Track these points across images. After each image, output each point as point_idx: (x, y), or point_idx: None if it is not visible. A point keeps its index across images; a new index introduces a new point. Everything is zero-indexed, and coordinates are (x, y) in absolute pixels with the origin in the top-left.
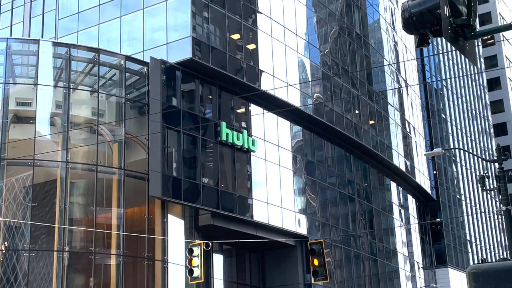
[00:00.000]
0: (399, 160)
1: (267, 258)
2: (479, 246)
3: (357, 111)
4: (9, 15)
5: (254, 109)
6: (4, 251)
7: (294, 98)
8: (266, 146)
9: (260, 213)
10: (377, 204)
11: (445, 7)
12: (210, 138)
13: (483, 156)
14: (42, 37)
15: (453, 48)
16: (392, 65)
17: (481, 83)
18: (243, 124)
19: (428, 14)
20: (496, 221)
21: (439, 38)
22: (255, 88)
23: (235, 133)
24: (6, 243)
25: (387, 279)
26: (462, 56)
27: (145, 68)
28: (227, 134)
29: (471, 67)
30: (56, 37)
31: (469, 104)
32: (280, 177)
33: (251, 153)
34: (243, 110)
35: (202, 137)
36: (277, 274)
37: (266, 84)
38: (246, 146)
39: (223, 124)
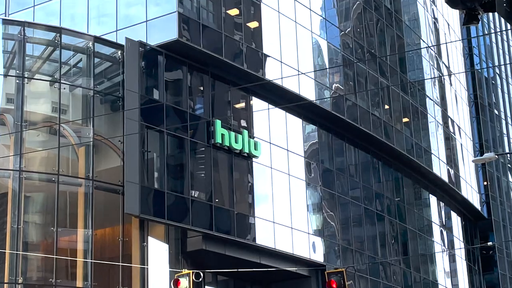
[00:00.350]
0: (440, 168)
1: None
2: None
3: (387, 106)
4: None
5: (257, 103)
6: None
7: (307, 90)
8: (272, 150)
9: (265, 235)
10: (413, 224)
11: None
12: (202, 140)
13: None
14: None
15: (509, 27)
16: (432, 48)
17: None
18: (243, 123)
19: None
20: None
21: (491, 14)
22: (258, 77)
23: (232, 134)
24: None
25: None
26: None
27: (119, 52)
28: (222, 135)
29: None
30: (6, 13)
31: None
32: (289, 190)
33: (253, 159)
34: (242, 105)
35: (191, 139)
36: None
37: (272, 72)
38: (246, 150)
39: (218, 122)
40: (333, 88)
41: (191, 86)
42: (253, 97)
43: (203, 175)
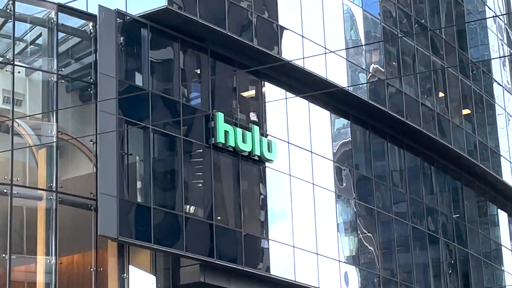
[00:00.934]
0: None
1: None
2: None
3: (441, 94)
4: None
5: (271, 91)
6: None
7: (336, 73)
8: (291, 152)
9: (282, 264)
10: (476, 248)
11: None
12: (199, 139)
13: None
14: None
15: None
16: (501, 17)
17: None
18: (253, 117)
19: None
20: None
21: None
22: (272, 57)
23: (239, 131)
24: None
25: None
26: None
27: (90, 24)
28: (226, 133)
29: None
30: None
31: None
32: (314, 204)
33: (266, 164)
34: (252, 93)
35: (185, 138)
36: None
37: (290, 51)
38: (257, 152)
39: (220, 116)
40: (370, 71)
41: (185, 68)
42: (266, 83)
43: (200, 185)
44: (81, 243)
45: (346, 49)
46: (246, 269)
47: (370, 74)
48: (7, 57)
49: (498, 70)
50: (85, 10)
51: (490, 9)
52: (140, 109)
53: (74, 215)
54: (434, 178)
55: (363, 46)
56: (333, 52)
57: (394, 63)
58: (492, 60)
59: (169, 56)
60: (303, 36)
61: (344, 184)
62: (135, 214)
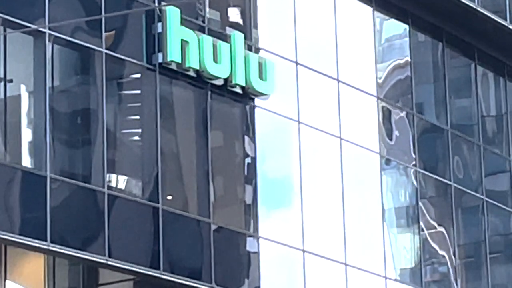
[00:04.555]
0: None
1: None
2: None
3: None
4: None
5: None
6: None
7: None
8: (300, 81)
9: (282, 280)
10: None
11: None
12: (134, 56)
13: None
14: None
15: None
16: None
17: None
18: (233, 16)
19: None
20: None
21: None
22: None
23: (207, 41)
24: None
25: None
26: None
27: None
28: (184, 44)
29: None
30: None
31: None
32: (342, 175)
33: (256, 101)
34: None
35: (110, 52)
36: None
37: None
38: (240, 80)
39: (173, 14)
40: None
41: None
42: None
43: (137, 138)
44: None
45: None
46: None
47: None
48: None
49: None
50: None
51: None
52: (30, 1)
53: None
54: None
55: None
56: None
57: None
58: None
59: None
60: None
61: (397, 140)
62: (20, 190)
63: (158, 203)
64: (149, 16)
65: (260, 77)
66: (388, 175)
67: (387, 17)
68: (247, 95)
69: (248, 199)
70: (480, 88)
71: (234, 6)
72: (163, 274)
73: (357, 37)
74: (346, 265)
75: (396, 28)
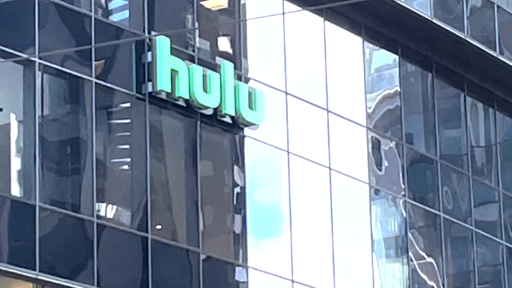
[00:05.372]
0: None
1: None
2: None
3: None
4: None
5: None
6: None
7: None
8: (289, 110)
9: None
10: None
11: None
12: (124, 85)
13: None
14: None
15: None
16: None
17: None
18: (223, 46)
19: None
20: None
21: None
22: None
23: (197, 70)
24: None
25: None
26: None
27: None
28: (173, 74)
29: None
30: None
31: None
32: (331, 204)
33: (246, 130)
34: (222, 1)
35: (100, 81)
36: None
37: None
38: (230, 110)
39: (163, 44)
40: None
41: None
42: None
43: (126, 167)
44: None
45: None
46: None
47: None
48: None
49: None
50: None
51: None
52: (19, 29)
53: None
54: None
55: None
56: None
57: None
58: None
59: None
60: None
61: (386, 170)
62: (9, 218)
63: (147, 232)
64: (139, 46)
65: (250, 106)
66: (377, 205)
67: (376, 47)
68: (237, 125)
69: (237, 229)
70: (469, 119)
71: (224, 35)
72: None
73: (347, 67)
74: None
75: (386, 58)
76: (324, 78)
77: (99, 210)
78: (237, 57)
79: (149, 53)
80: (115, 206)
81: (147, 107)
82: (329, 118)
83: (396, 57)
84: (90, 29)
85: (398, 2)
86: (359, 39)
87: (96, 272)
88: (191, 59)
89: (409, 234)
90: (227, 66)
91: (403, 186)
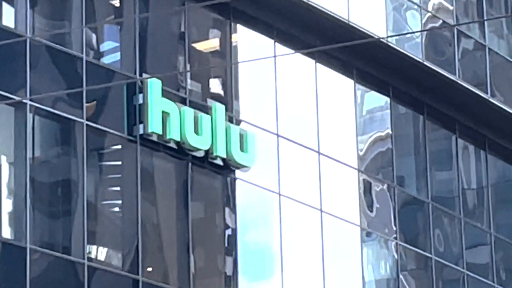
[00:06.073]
0: None
1: None
2: None
3: None
4: None
5: (249, 41)
6: None
7: (368, 14)
8: (281, 153)
9: None
10: None
11: None
12: (115, 127)
13: None
14: None
15: None
16: None
17: None
18: (215, 88)
19: None
20: None
21: None
22: None
23: (188, 113)
24: None
25: None
26: None
27: None
28: (165, 116)
29: None
30: None
31: None
32: (322, 247)
33: (237, 173)
34: (214, 43)
35: (91, 123)
36: None
37: None
38: (221, 152)
39: (154, 86)
40: (429, 9)
41: None
42: (239, 27)
43: (117, 209)
44: None
45: None
46: None
47: (429, 15)
48: None
49: None
50: None
51: None
52: (10, 71)
53: None
54: None
55: None
56: None
57: None
58: None
59: None
60: None
61: (378, 213)
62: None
63: (138, 274)
64: (130, 88)
65: (241, 149)
66: (368, 247)
67: (368, 89)
68: (228, 167)
69: (229, 271)
70: (461, 161)
71: (215, 77)
72: None
73: (338, 109)
74: None
75: (377, 100)
76: (316, 120)
77: (90, 252)
78: (228, 99)
79: (141, 95)
80: (106, 248)
81: (138, 149)
82: (320, 160)
83: (388, 99)
84: (81, 71)
85: (390, 44)
86: (350, 81)
87: None
88: (183, 101)
89: (401, 277)
90: (219, 108)
91: (394, 229)
